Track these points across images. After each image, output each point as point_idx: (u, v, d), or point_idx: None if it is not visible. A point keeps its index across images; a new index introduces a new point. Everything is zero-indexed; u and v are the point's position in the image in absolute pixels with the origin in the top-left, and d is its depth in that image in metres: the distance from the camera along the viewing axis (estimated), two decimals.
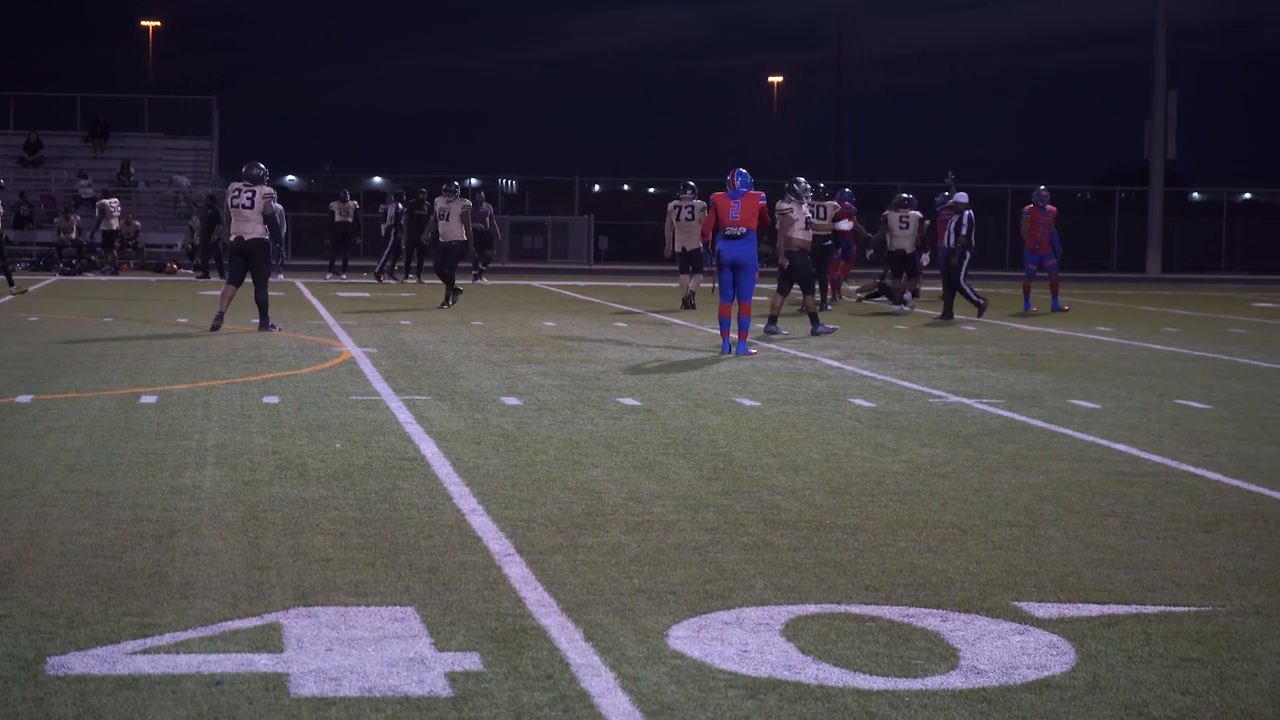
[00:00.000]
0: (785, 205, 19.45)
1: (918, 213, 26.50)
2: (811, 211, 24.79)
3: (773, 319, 19.73)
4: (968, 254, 23.89)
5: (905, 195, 26.81)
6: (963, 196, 24.56)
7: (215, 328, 19.05)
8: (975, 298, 24.28)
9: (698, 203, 24.44)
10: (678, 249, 24.76)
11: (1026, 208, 26.68)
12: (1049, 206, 26.36)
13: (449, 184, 25.00)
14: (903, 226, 26.24)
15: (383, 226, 35.37)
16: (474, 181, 56.83)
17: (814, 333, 19.77)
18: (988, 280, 39.58)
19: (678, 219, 24.72)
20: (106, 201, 38.43)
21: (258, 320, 19.33)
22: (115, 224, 38.11)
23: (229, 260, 19.86)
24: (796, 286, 20.02)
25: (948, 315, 23.59)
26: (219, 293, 20.53)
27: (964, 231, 23.78)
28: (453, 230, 24.45)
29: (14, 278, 28.19)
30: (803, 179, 19.93)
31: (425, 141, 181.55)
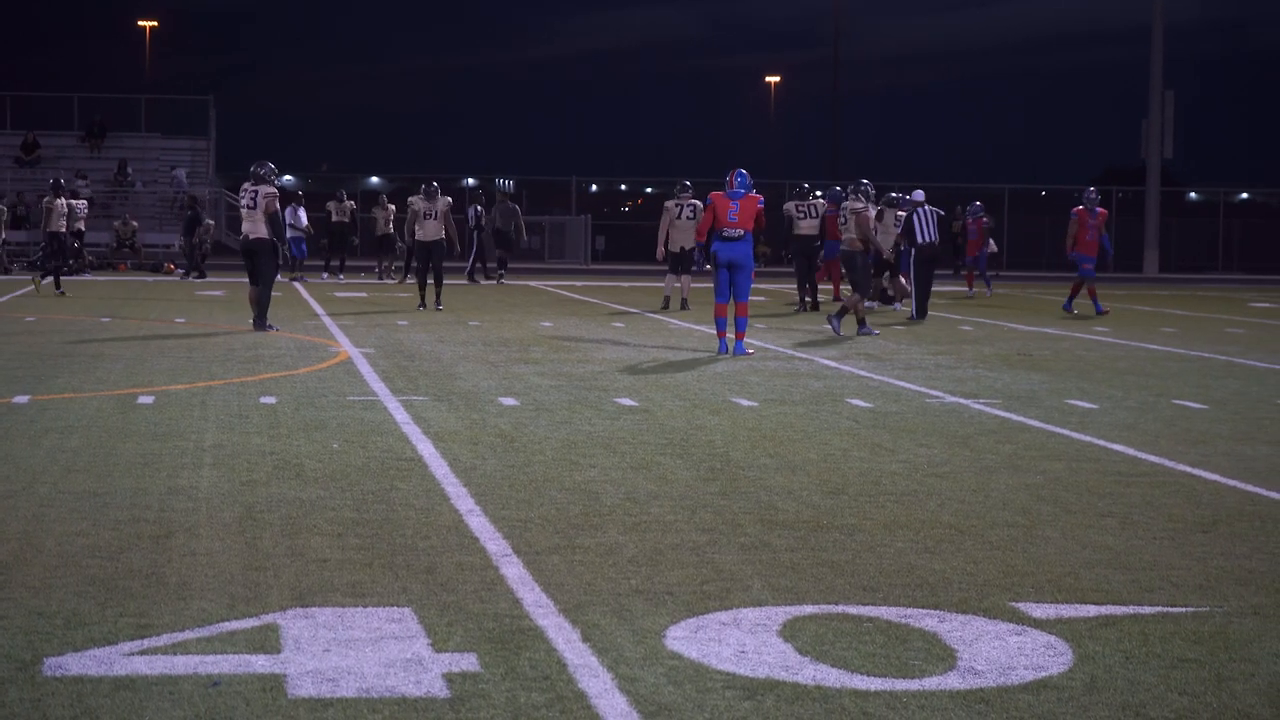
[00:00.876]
0: (859, 205, 20.32)
1: (904, 212, 26.63)
2: (801, 212, 25.24)
3: (862, 321, 20.18)
4: (898, 250, 24.57)
5: (895, 195, 26.89)
6: (919, 194, 24.65)
7: (264, 329, 19.14)
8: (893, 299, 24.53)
9: (696, 202, 24.38)
10: (675, 248, 24.67)
11: (1075, 209, 26.10)
12: (1099, 209, 25.97)
13: (428, 184, 24.67)
14: (896, 226, 26.36)
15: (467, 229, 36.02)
16: (471, 181, 56.83)
17: (860, 332, 20.11)
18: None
19: (678, 217, 24.64)
20: (72, 201, 38.16)
21: (254, 316, 19.34)
22: (76, 224, 37.77)
23: (243, 260, 19.94)
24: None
25: (920, 313, 23.73)
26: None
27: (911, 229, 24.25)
28: (435, 230, 24.20)
29: (42, 279, 28.17)
30: (866, 181, 20.92)
31: (422, 141, 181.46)
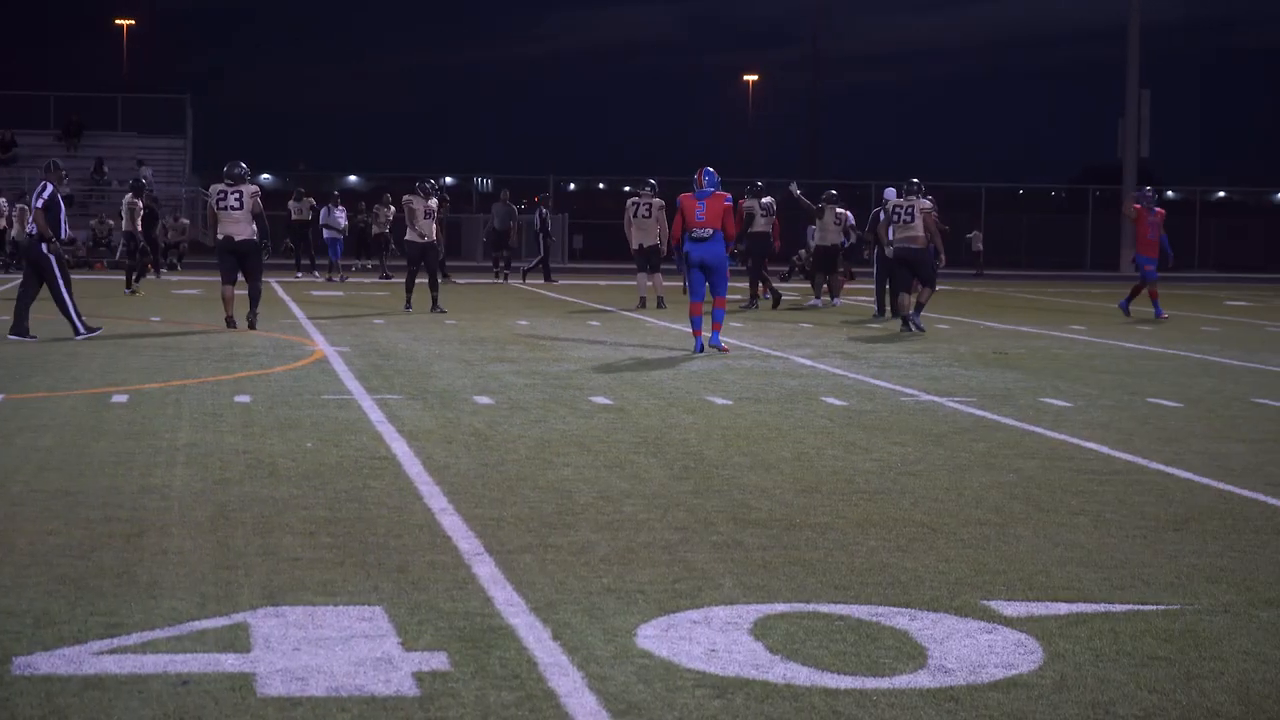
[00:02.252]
0: (926, 204, 20.88)
1: (842, 210, 26.93)
2: (763, 210, 26.01)
3: (918, 308, 20.96)
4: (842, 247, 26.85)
5: (833, 191, 27.10)
6: (890, 192, 24.78)
7: (236, 324, 19.17)
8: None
9: (656, 200, 24.44)
10: (635, 245, 24.63)
11: (1135, 207, 25.65)
12: (1157, 209, 25.52)
13: (422, 181, 24.24)
14: (837, 224, 26.62)
15: (534, 230, 36.63)
16: (449, 180, 56.77)
17: (916, 327, 20.59)
18: (968, 279, 39.60)
19: (634, 215, 24.58)
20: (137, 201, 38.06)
21: (249, 312, 19.31)
22: (135, 224, 37.54)
23: (219, 260, 19.69)
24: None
25: (886, 310, 23.94)
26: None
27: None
28: (429, 229, 23.72)
29: (133, 280, 28.15)
30: (916, 180, 21.40)
31: (401, 139, 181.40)
